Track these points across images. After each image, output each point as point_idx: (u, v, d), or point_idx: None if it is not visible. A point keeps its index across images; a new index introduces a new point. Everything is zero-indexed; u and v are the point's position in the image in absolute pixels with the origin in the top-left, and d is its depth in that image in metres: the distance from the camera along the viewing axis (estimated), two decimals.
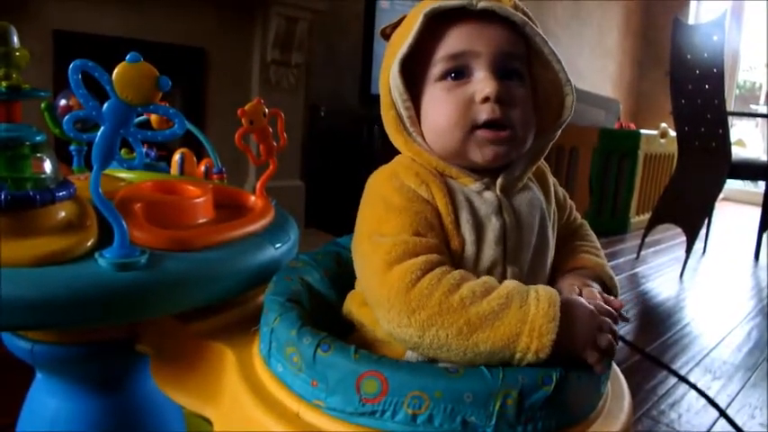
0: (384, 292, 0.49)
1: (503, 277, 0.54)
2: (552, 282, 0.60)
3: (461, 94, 0.54)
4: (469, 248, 0.53)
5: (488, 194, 0.56)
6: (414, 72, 0.57)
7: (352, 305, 0.59)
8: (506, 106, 0.54)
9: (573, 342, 0.47)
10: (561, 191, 0.66)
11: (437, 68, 0.55)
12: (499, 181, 0.56)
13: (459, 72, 0.55)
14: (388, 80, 0.57)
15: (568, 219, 0.67)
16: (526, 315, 0.46)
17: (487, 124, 0.54)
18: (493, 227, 0.54)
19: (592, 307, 0.50)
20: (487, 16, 0.54)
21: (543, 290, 0.48)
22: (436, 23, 0.55)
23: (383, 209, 0.53)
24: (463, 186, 0.56)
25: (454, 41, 0.55)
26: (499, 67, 0.54)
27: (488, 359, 0.46)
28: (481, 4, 0.53)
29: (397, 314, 0.48)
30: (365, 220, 0.54)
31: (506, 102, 0.54)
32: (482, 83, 0.53)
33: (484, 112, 0.53)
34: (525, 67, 0.57)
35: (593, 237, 0.67)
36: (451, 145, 0.55)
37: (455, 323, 0.46)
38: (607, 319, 0.49)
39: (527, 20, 0.55)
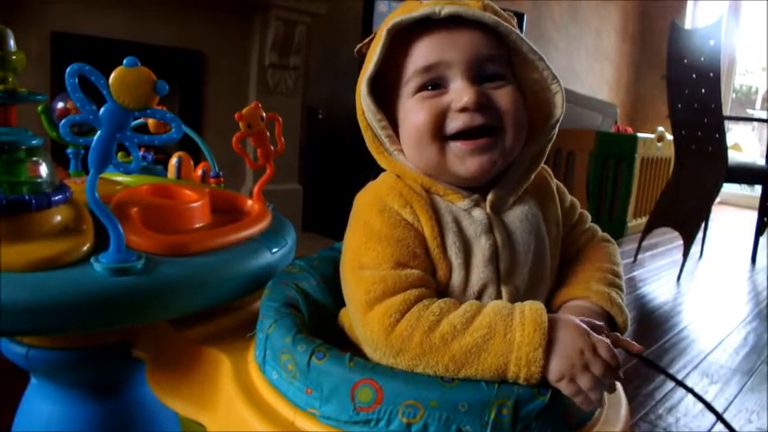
0: (367, 333, 0.48)
1: (496, 298, 0.52)
2: (555, 301, 0.57)
3: (435, 104, 0.52)
4: (457, 272, 0.51)
5: (477, 212, 0.53)
6: (389, 90, 0.55)
7: (345, 322, 0.58)
8: (488, 112, 0.51)
9: (562, 365, 0.44)
10: (569, 200, 0.63)
11: (411, 84, 0.53)
12: (489, 197, 0.54)
13: (434, 84, 0.53)
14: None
15: (576, 229, 0.63)
16: (511, 344, 0.44)
17: (463, 134, 0.51)
18: (482, 247, 0.52)
19: (586, 329, 0.46)
20: (456, 22, 0.52)
21: (530, 310, 0.46)
22: (404, 37, 0.53)
23: (366, 236, 0.51)
24: (451, 204, 0.53)
25: (424, 54, 0.52)
26: (476, 73, 0.52)
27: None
28: (445, 11, 0.51)
29: (383, 355, 0.47)
30: (349, 247, 0.53)
31: (487, 107, 0.51)
32: (458, 92, 0.51)
33: (459, 120, 0.51)
34: (508, 68, 0.54)
35: (610, 253, 0.61)
36: (430, 159, 0.53)
37: (440, 362, 0.45)
38: (600, 354, 0.45)
39: (499, 19, 0.52)
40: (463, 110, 0.51)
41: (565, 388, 0.44)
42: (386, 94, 0.56)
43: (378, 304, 0.48)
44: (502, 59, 0.54)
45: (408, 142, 0.54)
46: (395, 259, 0.49)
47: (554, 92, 0.55)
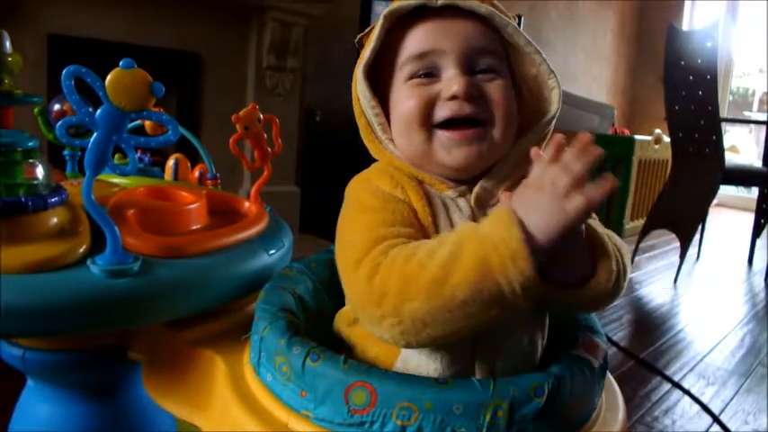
0: (352, 293, 0.47)
1: None
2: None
3: (426, 92, 0.52)
4: None
5: (462, 203, 0.53)
6: (385, 78, 0.56)
7: (342, 324, 0.57)
8: (478, 102, 0.51)
9: (548, 218, 0.42)
10: None
11: (405, 71, 0.53)
12: (475, 190, 0.53)
13: (427, 73, 0.53)
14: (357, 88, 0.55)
15: None
16: (483, 237, 0.42)
17: (451, 123, 0.51)
18: None
19: (525, 181, 0.44)
20: (452, 12, 0.52)
21: (494, 210, 0.45)
22: (401, 26, 0.54)
23: (358, 213, 0.51)
24: (439, 192, 0.53)
25: (418, 41, 0.53)
26: (469, 64, 0.52)
27: (480, 308, 0.42)
28: (442, 0, 0.51)
29: (371, 310, 0.44)
30: (341, 227, 0.52)
31: (477, 97, 0.51)
32: (449, 81, 0.51)
33: (447, 109, 0.51)
34: (503, 62, 0.54)
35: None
36: (417, 147, 0.53)
37: (422, 286, 0.42)
38: (554, 167, 0.43)
39: (494, 11, 0.52)
40: (452, 98, 0.51)
41: (574, 206, 0.41)
42: (382, 83, 0.56)
43: (365, 258, 0.46)
44: (497, 53, 0.54)
45: (398, 129, 0.54)
46: (388, 223, 0.49)
47: (551, 87, 0.55)
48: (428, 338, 0.44)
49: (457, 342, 0.47)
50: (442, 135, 0.52)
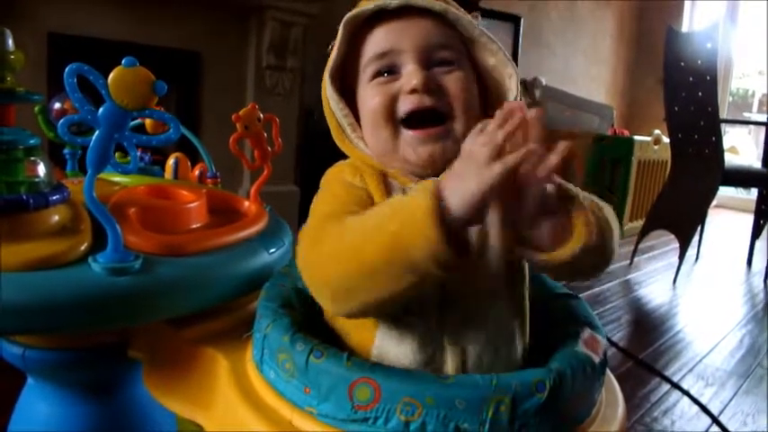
0: (298, 263, 0.49)
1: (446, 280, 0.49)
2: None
3: (389, 89, 0.54)
4: None
5: None
6: (352, 80, 0.58)
7: (330, 315, 0.58)
8: (438, 95, 0.53)
9: (466, 186, 0.41)
10: None
11: (368, 71, 0.56)
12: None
13: (389, 71, 0.55)
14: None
15: None
16: (403, 205, 0.42)
17: (415, 121, 0.53)
18: None
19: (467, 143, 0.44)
20: (408, 12, 0.55)
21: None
22: (363, 29, 0.56)
23: (326, 197, 0.55)
24: (401, 184, 0.55)
25: (378, 42, 0.55)
26: (427, 59, 0.54)
27: (396, 272, 0.43)
28: (396, 1, 0.54)
29: (308, 276, 0.48)
30: (310, 213, 0.54)
31: (436, 90, 0.53)
32: (409, 76, 0.54)
33: (408, 102, 0.53)
34: (461, 55, 0.56)
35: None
36: (385, 144, 0.55)
37: (345, 254, 0.45)
38: (480, 136, 0.43)
39: (448, 7, 0.55)
40: (412, 92, 0.53)
41: (491, 173, 0.41)
42: (351, 85, 0.59)
43: (311, 230, 0.50)
44: (453, 47, 0.56)
45: (366, 127, 0.57)
46: (344, 203, 0.52)
47: (509, 75, 0.57)
48: (359, 305, 0.46)
49: (423, 325, 0.50)
50: (407, 134, 0.54)
